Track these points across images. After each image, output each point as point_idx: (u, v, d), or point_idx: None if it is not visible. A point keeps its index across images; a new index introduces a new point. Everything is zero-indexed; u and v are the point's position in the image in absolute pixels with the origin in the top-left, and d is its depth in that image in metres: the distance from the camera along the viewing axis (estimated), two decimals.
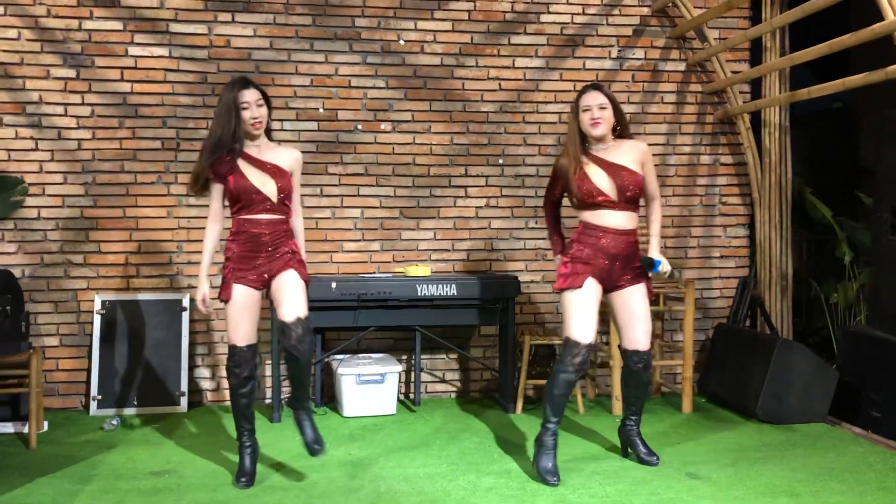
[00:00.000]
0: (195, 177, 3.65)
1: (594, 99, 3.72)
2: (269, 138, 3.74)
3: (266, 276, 3.62)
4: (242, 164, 3.57)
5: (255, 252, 3.59)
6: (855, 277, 6.14)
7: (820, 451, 4.19)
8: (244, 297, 3.58)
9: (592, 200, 3.72)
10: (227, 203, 3.68)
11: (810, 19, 4.47)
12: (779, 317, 5.57)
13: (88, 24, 5.06)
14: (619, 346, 3.95)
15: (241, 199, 3.57)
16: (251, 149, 3.62)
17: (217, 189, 3.64)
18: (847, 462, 4.01)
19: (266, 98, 3.63)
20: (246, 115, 3.54)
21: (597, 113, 3.70)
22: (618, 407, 4.94)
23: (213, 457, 4.09)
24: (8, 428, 4.54)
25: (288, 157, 3.70)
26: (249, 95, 3.54)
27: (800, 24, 4.87)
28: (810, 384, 4.76)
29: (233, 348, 3.60)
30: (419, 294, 4.92)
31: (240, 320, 3.58)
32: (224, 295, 3.58)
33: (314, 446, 3.65)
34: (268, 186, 3.58)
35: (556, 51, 5.54)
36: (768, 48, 5.47)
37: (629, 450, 4.06)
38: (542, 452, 3.71)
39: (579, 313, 3.68)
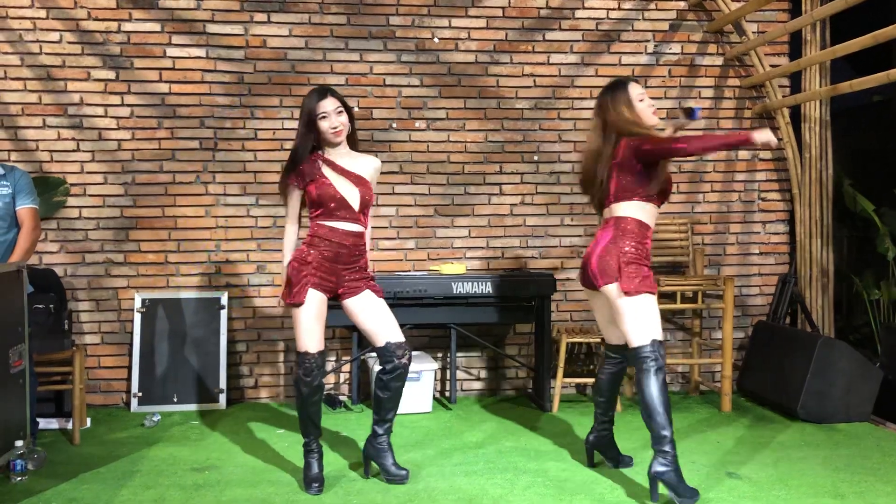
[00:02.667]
0: (281, 187, 3.69)
1: (641, 89, 3.66)
2: (355, 147, 3.69)
3: (338, 287, 3.58)
4: (326, 171, 3.56)
5: (335, 261, 3.54)
6: None
7: (864, 451, 4.12)
8: (320, 303, 3.53)
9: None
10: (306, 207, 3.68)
11: (851, 10, 4.37)
12: (819, 314, 5.48)
13: (127, 27, 5.13)
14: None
15: (324, 206, 3.55)
16: (334, 156, 3.61)
17: (297, 193, 3.63)
18: (893, 462, 3.94)
19: (346, 106, 3.59)
20: (325, 124, 3.52)
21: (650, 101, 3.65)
22: None
23: (252, 453, 4.13)
24: (52, 424, 4.63)
25: (369, 167, 3.69)
26: (328, 104, 3.52)
27: (840, 16, 4.77)
28: (853, 383, 4.68)
29: (304, 355, 3.51)
30: (454, 292, 4.92)
31: (314, 326, 3.51)
32: (297, 298, 3.49)
33: (401, 471, 3.67)
34: (351, 195, 3.56)
35: (592, 46, 5.50)
36: (808, 41, 5.38)
37: (602, 457, 3.92)
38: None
39: None
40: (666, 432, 3.36)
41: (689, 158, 5.59)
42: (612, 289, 3.46)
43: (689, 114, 3.64)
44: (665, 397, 3.38)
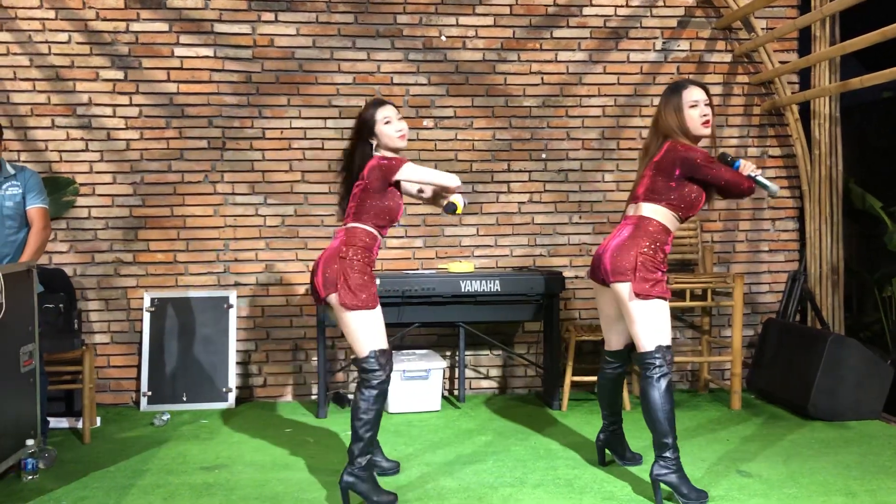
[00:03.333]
0: (340, 199, 3.57)
1: (701, 94, 3.50)
2: None
3: None
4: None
5: (372, 265, 3.47)
6: None
7: (875, 449, 4.10)
8: (378, 311, 3.42)
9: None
10: (356, 207, 3.45)
11: (860, 6, 4.35)
12: (830, 311, 5.46)
13: (135, 27, 5.14)
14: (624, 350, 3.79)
15: (389, 219, 3.47)
16: None
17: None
18: None
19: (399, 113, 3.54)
20: (391, 128, 3.42)
21: (706, 110, 3.49)
22: None
23: (261, 452, 4.14)
24: (62, 423, 4.65)
25: None
26: (390, 110, 3.45)
27: (849, 12, 4.75)
28: (864, 380, 4.66)
29: (379, 353, 3.34)
30: (462, 290, 4.91)
31: (381, 327, 3.39)
32: (373, 303, 3.36)
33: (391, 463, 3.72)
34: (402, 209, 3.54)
35: (600, 44, 5.49)
36: (818, 37, 5.36)
37: (613, 456, 3.90)
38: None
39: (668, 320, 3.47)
40: (667, 440, 3.34)
41: None
42: (623, 288, 3.41)
43: (730, 164, 3.50)
44: (668, 405, 3.35)
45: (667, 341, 3.41)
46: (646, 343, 3.40)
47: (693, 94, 3.47)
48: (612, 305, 3.64)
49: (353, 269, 3.33)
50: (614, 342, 3.75)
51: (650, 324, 3.39)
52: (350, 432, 3.36)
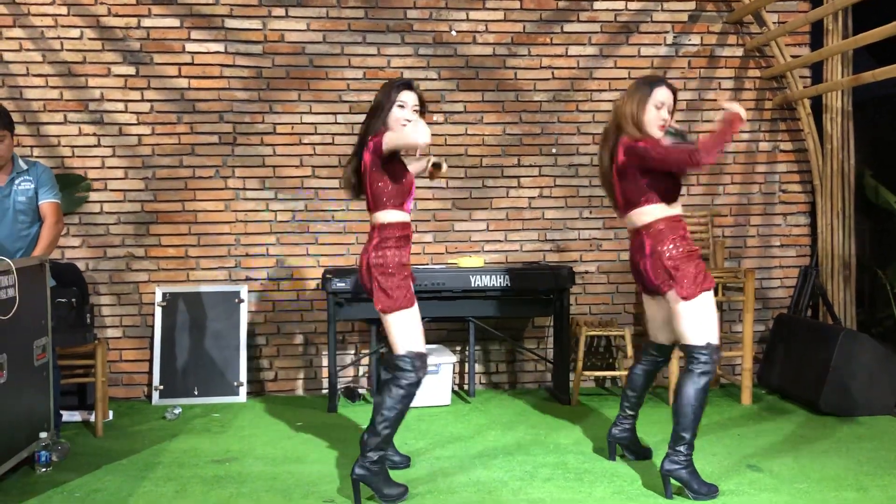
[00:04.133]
0: (345, 181, 3.50)
1: (668, 98, 3.45)
2: None
3: None
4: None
5: (407, 259, 3.39)
6: None
7: (887, 445, 4.08)
8: (416, 306, 3.40)
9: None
10: (370, 196, 3.39)
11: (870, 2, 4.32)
12: (841, 306, 5.43)
13: (147, 22, 5.17)
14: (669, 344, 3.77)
15: (405, 193, 3.37)
16: None
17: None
18: None
19: (423, 106, 3.43)
20: (399, 113, 3.34)
21: (666, 115, 3.46)
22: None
23: (272, 446, 4.16)
24: (75, 416, 4.68)
25: None
26: (409, 96, 3.36)
27: (862, 5, 4.72)
28: (876, 375, 4.64)
29: (415, 355, 3.32)
30: (472, 285, 4.91)
31: (418, 328, 3.37)
32: (409, 302, 3.34)
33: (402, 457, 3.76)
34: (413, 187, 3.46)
35: (610, 38, 5.47)
36: (830, 31, 5.32)
37: (623, 450, 3.89)
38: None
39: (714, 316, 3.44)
40: (686, 434, 3.34)
41: None
42: (671, 295, 3.40)
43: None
44: (699, 403, 3.33)
45: (715, 339, 3.39)
46: (695, 338, 3.37)
47: (661, 95, 3.44)
48: (660, 311, 3.62)
49: (386, 272, 3.31)
50: (661, 338, 3.72)
51: (699, 320, 3.37)
52: (367, 425, 3.37)
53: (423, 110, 3.43)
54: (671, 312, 3.46)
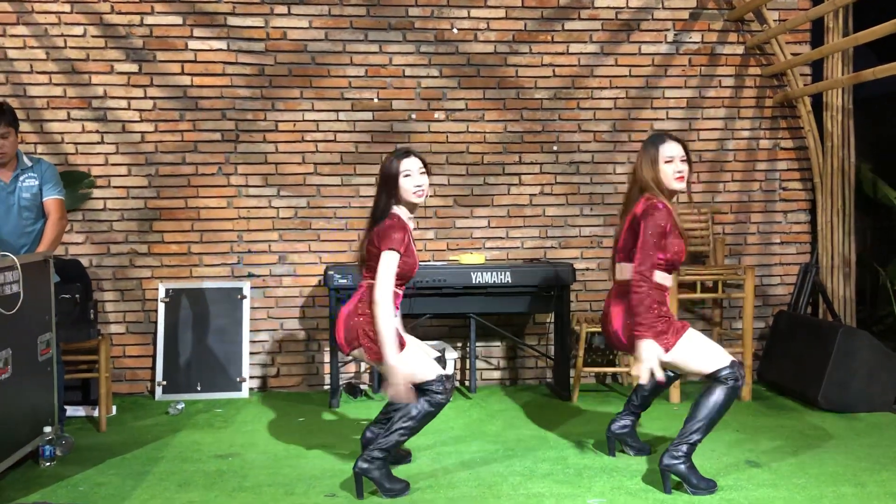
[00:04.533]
0: (359, 256, 3.53)
1: (677, 150, 3.50)
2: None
3: None
4: (410, 239, 3.44)
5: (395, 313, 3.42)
6: None
7: (886, 441, 4.10)
8: (410, 342, 3.47)
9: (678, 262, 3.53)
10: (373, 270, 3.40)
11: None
12: (841, 303, 5.45)
13: (150, 20, 5.19)
14: None
15: (407, 277, 3.45)
16: (410, 221, 3.48)
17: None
18: None
19: (427, 168, 3.47)
20: (409, 183, 3.38)
21: (680, 166, 3.49)
22: (675, 395, 4.91)
23: (274, 441, 4.19)
24: (79, 412, 4.72)
25: None
26: (411, 163, 3.40)
27: (862, 3, 4.73)
28: (875, 372, 4.66)
29: (445, 378, 3.38)
30: (474, 282, 4.94)
31: (422, 357, 3.43)
32: (402, 345, 3.36)
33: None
34: (417, 267, 3.51)
35: (611, 36, 5.49)
36: (830, 28, 5.34)
37: (623, 446, 3.92)
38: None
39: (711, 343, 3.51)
40: (695, 437, 3.37)
41: (709, 147, 5.58)
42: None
43: None
44: (717, 413, 3.35)
45: (729, 358, 3.41)
46: (714, 364, 3.39)
47: (669, 150, 3.48)
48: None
49: (371, 324, 3.34)
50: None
51: (699, 355, 3.41)
52: (371, 421, 3.39)
53: (427, 171, 3.47)
54: (670, 367, 3.51)
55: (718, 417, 3.38)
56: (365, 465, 3.33)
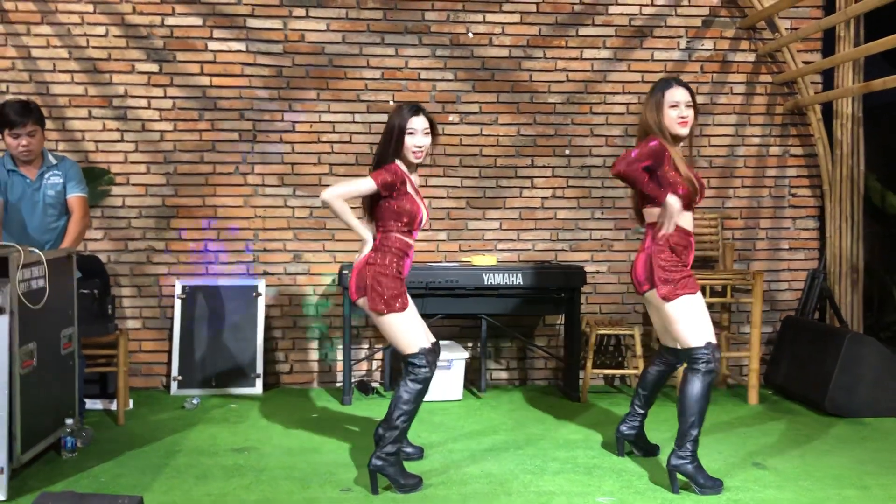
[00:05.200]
0: (364, 206, 3.56)
1: (682, 95, 3.55)
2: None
3: None
4: (410, 188, 3.51)
5: (403, 272, 3.52)
6: None
7: (890, 446, 4.16)
8: (413, 305, 3.52)
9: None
10: (378, 216, 3.51)
11: (886, 6, 4.38)
12: (849, 310, 5.51)
13: (170, 21, 5.28)
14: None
15: (407, 221, 3.48)
16: (409, 172, 3.55)
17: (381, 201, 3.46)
18: None
19: (433, 128, 3.55)
20: (410, 141, 3.46)
21: (685, 111, 3.54)
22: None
23: (289, 436, 4.27)
24: (97, 405, 4.81)
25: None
26: (418, 122, 3.47)
27: (875, 13, 4.78)
28: (881, 378, 4.72)
29: (428, 350, 3.46)
30: (485, 283, 5.01)
31: (420, 324, 3.51)
32: (401, 305, 3.43)
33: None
34: (425, 214, 3.56)
35: (625, 42, 5.56)
36: (842, 38, 5.40)
37: (631, 447, 3.97)
38: None
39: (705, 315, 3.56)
40: (693, 431, 3.43)
41: (719, 153, 5.64)
42: (652, 295, 3.52)
43: None
44: (704, 401, 3.43)
45: (712, 337, 3.48)
46: (692, 339, 3.46)
47: (675, 95, 3.53)
48: (656, 315, 3.70)
49: (383, 274, 3.42)
50: (669, 342, 3.76)
51: (689, 322, 3.47)
52: (382, 419, 3.48)
53: (434, 132, 3.54)
54: (661, 316, 3.57)
55: (706, 403, 3.45)
56: (379, 463, 3.41)
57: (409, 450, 3.88)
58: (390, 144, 3.48)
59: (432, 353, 3.47)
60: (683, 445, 3.45)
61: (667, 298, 3.46)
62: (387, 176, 3.41)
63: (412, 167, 3.57)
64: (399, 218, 3.47)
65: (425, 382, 3.45)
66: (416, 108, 3.51)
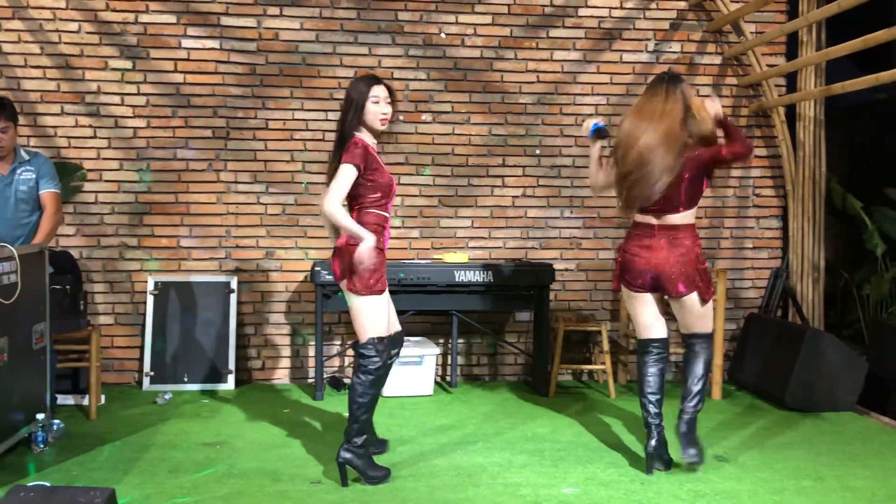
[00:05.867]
0: (337, 167, 3.46)
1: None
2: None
3: None
4: (378, 159, 3.53)
5: (384, 246, 3.57)
6: (887, 269, 6.18)
7: (847, 439, 4.30)
8: (385, 296, 3.61)
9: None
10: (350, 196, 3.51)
11: (849, 12, 4.50)
12: (810, 307, 5.65)
13: (144, 18, 5.29)
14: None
15: (382, 194, 3.52)
16: (371, 143, 3.55)
17: (355, 175, 3.43)
18: (873, 449, 4.11)
19: (393, 96, 3.58)
20: (375, 108, 3.48)
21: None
22: None
23: (260, 431, 4.32)
24: (69, 400, 4.82)
25: None
26: (380, 91, 3.49)
27: (839, 17, 4.91)
28: (839, 374, 4.85)
29: (377, 340, 3.50)
30: (456, 280, 5.09)
31: (382, 313, 3.55)
32: (380, 288, 3.50)
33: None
34: (395, 186, 3.63)
35: (594, 44, 5.66)
36: (804, 42, 5.53)
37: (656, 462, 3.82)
38: None
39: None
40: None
41: None
42: (695, 296, 3.67)
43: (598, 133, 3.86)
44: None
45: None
46: (710, 325, 3.80)
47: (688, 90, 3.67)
48: (652, 306, 3.78)
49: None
50: (662, 332, 3.80)
51: (710, 313, 3.79)
52: (347, 414, 3.54)
53: (393, 100, 3.59)
54: (687, 310, 3.73)
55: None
56: (347, 455, 3.48)
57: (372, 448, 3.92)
58: (351, 114, 3.49)
59: (383, 344, 3.52)
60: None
61: (706, 301, 3.74)
62: (358, 154, 3.42)
63: (375, 134, 3.58)
64: (374, 191, 3.49)
65: (376, 373, 3.50)
66: (374, 78, 3.55)
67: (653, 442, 3.68)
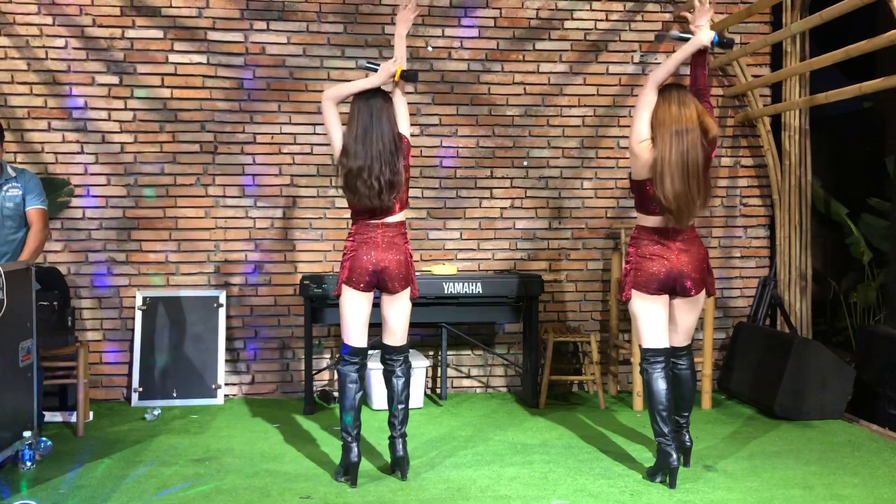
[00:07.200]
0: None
1: None
2: None
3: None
4: None
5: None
6: (874, 277, 6.22)
7: (835, 447, 4.31)
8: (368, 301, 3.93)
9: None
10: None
11: (835, 21, 4.54)
12: (798, 316, 5.67)
13: (131, 33, 5.30)
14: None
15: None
16: None
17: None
18: (862, 457, 4.13)
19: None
20: None
21: None
22: (639, 402, 5.09)
23: (250, 445, 4.30)
24: (56, 417, 4.79)
25: None
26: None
27: (823, 27, 4.96)
28: (828, 382, 4.87)
29: (347, 346, 3.87)
30: (445, 292, 5.09)
31: (355, 321, 3.88)
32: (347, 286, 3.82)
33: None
34: None
35: (580, 56, 5.69)
36: (789, 53, 5.58)
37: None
38: None
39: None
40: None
41: None
42: (703, 294, 3.83)
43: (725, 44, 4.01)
44: None
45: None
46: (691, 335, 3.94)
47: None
48: (665, 310, 3.79)
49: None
50: (667, 340, 3.80)
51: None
52: (339, 428, 3.53)
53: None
54: (692, 311, 3.81)
55: None
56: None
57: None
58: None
59: (350, 355, 3.78)
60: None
61: (711, 295, 3.93)
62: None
63: None
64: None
65: (342, 376, 3.76)
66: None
67: (675, 454, 3.64)
